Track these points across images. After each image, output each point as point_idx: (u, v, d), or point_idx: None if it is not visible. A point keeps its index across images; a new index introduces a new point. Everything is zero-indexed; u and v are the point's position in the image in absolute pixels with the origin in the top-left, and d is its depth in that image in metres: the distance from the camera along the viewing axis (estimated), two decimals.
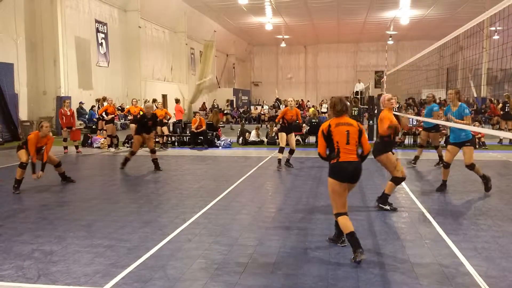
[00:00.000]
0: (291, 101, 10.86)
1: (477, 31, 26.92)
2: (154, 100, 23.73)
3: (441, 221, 5.93)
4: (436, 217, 6.16)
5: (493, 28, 27.99)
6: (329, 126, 4.70)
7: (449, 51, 31.37)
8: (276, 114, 31.93)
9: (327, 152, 4.79)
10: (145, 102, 23.82)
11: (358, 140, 4.70)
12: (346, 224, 4.60)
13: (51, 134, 8.89)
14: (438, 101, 28.91)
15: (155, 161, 10.45)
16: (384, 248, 4.95)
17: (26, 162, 8.06)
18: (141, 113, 15.76)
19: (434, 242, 5.14)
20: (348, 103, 4.92)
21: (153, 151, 10.55)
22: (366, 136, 4.88)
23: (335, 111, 4.76)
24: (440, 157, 10.70)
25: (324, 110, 26.09)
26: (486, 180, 7.56)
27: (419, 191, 7.95)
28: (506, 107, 16.56)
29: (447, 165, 7.76)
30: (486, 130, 7.89)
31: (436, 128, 10.60)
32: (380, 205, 6.61)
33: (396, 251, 4.86)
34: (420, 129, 12.91)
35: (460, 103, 7.52)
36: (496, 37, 27.82)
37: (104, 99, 17.10)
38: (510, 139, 14.77)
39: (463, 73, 34.84)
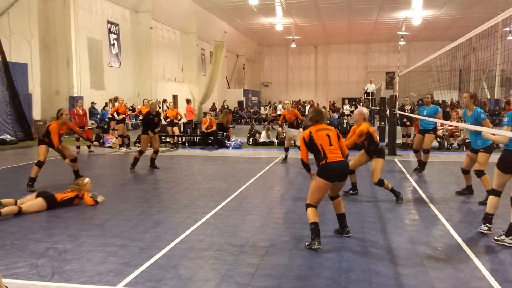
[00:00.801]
0: (287, 103, 12.23)
1: (491, 33, 26.68)
2: (165, 101, 23.92)
3: (455, 225, 5.86)
4: (450, 220, 6.10)
5: (507, 29, 27.64)
6: (310, 133, 5.10)
7: (462, 52, 31.10)
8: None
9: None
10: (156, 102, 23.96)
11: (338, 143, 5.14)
12: (314, 214, 4.99)
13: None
14: (449, 102, 28.68)
15: (153, 160, 10.71)
16: (397, 251, 4.90)
17: (43, 161, 8.17)
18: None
19: (449, 245, 5.08)
20: (323, 114, 5.49)
21: (156, 152, 10.71)
22: (343, 140, 5.39)
23: (311, 120, 5.20)
24: (420, 162, 9.84)
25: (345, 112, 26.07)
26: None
27: (432, 194, 7.87)
28: None
29: (464, 171, 7.50)
30: (499, 132, 7.76)
31: (434, 130, 9.97)
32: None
33: (410, 254, 4.81)
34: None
35: (475, 107, 7.06)
36: (510, 37, 27.48)
37: (116, 99, 17.25)
38: None
39: (476, 75, 34.49)
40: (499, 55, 27.49)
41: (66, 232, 5.53)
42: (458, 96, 33.94)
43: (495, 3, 25.31)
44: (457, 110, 17.13)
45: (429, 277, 4.17)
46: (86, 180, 7.19)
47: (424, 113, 9.83)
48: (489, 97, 31.74)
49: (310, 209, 5.02)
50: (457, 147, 14.39)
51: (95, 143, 8.25)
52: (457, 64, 34.78)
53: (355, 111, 7.63)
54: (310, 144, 5.07)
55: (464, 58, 33.69)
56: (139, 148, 10.70)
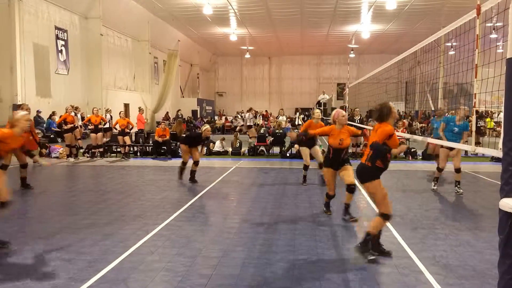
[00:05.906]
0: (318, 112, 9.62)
1: (434, 47, 28.05)
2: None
3: (401, 231, 6.09)
4: (396, 226, 6.32)
5: (449, 44, 29.22)
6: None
7: (408, 65, 32.52)
8: (242, 125, 32.08)
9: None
10: (106, 110, 23.31)
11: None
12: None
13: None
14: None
15: (193, 172, 10.24)
16: (347, 257, 5.02)
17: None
18: (103, 122, 15.47)
19: (394, 251, 5.25)
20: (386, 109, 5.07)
21: (196, 164, 10.30)
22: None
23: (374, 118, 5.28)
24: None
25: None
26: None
27: None
28: None
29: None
30: (444, 142, 8.22)
31: None
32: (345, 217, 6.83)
33: (358, 260, 4.93)
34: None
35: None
36: (451, 52, 29.06)
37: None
38: (465, 151, 15.39)
39: (421, 87, 36.17)
40: (441, 68, 28.94)
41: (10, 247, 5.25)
42: (404, 107, 35.43)
43: (437, 20, 26.75)
44: (404, 120, 17.86)
45: (377, 282, 4.30)
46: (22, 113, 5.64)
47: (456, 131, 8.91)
48: (433, 108, 33.31)
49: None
50: (403, 156, 15.03)
51: (43, 150, 7.91)
52: (403, 76, 36.33)
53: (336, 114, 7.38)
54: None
55: (410, 71, 35.25)
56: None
